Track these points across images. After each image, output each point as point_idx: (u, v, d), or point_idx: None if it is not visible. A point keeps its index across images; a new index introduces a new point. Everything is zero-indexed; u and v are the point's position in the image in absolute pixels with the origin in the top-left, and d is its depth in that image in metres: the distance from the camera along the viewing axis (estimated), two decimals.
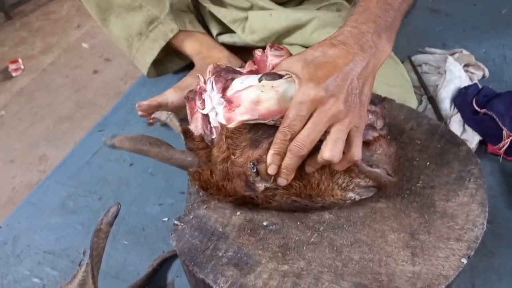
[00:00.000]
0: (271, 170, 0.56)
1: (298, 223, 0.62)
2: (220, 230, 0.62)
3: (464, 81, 1.08)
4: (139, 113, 1.01)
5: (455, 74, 1.08)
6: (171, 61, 1.15)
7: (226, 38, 1.11)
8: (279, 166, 0.56)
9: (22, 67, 2.87)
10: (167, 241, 0.81)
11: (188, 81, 1.03)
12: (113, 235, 0.82)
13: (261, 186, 0.59)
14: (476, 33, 1.42)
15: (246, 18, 1.04)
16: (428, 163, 0.69)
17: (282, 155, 0.55)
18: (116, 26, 1.01)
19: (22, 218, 0.91)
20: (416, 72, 1.17)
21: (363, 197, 0.62)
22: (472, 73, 1.15)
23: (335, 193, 0.60)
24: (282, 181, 0.57)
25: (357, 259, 0.57)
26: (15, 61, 2.90)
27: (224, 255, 0.59)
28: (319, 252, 0.58)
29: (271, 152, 0.55)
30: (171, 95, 1.01)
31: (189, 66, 1.13)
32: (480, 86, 1.03)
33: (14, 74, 2.84)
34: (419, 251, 0.58)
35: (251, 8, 1.05)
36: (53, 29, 3.35)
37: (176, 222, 0.63)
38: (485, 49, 1.32)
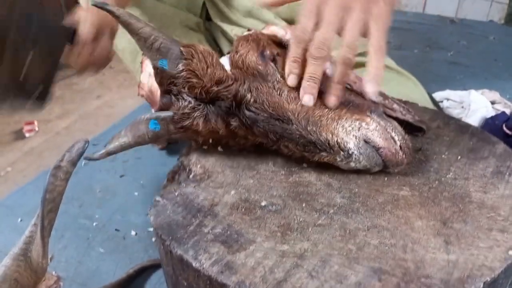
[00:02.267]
0: (291, 81, 0.50)
1: (304, 204, 0.51)
2: (209, 207, 0.51)
3: (491, 113, 1.00)
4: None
5: (480, 105, 1.00)
6: None
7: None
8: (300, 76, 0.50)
9: (36, 129, 2.89)
10: (149, 251, 0.69)
11: None
12: (87, 241, 0.70)
13: None
14: (498, 81, 1.37)
15: None
16: (459, 157, 0.59)
17: (299, 61, 0.50)
18: (123, 38, 0.98)
19: None
20: (438, 107, 1.09)
21: (362, 165, 0.52)
22: (498, 110, 1.07)
23: (335, 132, 0.50)
24: (308, 99, 0.50)
25: (376, 243, 0.46)
26: (30, 123, 2.93)
27: (210, 231, 0.48)
28: (328, 235, 0.47)
29: (288, 61, 0.49)
30: None
31: None
32: (508, 114, 0.95)
33: (27, 134, 2.86)
34: (454, 240, 0.46)
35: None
36: (73, 98, 3.45)
37: (157, 198, 0.53)
38: (510, 95, 1.26)
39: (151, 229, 0.75)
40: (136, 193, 0.83)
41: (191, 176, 0.58)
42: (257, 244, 0.46)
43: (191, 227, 0.48)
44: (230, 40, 1.07)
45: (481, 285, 0.41)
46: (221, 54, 1.08)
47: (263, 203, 0.52)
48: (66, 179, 0.41)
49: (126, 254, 0.70)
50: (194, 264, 0.44)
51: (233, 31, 1.03)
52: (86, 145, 0.42)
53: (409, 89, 0.90)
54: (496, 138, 0.64)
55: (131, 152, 0.97)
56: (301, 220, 0.49)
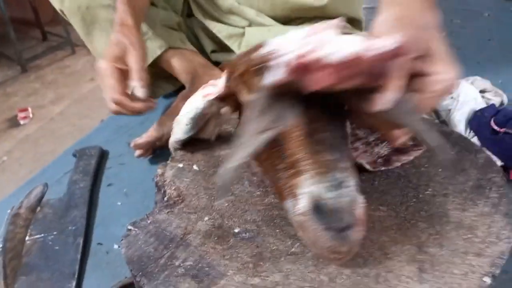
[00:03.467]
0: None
1: (277, 230, 0.51)
2: (181, 237, 0.50)
3: (480, 104, 0.98)
4: (137, 152, 0.92)
5: (470, 96, 0.98)
6: (159, 86, 1.07)
7: (220, 56, 1.04)
8: None
9: (30, 115, 2.88)
10: None
11: (179, 106, 0.95)
12: None
13: None
14: (491, 65, 1.33)
15: (243, 34, 0.98)
16: (439, 170, 0.58)
17: None
18: (99, 42, 0.95)
19: None
20: None
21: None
22: (488, 99, 1.05)
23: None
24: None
25: (348, 273, 0.45)
26: (24, 110, 2.92)
27: (181, 264, 0.47)
28: (300, 264, 0.46)
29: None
30: (166, 125, 0.92)
31: (178, 91, 1.06)
32: (497, 108, 0.93)
33: (22, 122, 2.85)
34: (428, 267, 0.45)
35: (249, 25, 0.99)
36: (66, 82, 3.41)
37: (129, 227, 0.52)
38: (502, 79, 1.23)
39: None
40: (119, 203, 0.83)
41: (165, 198, 0.57)
42: (228, 278, 0.45)
43: (162, 260, 0.48)
44: (212, 38, 1.04)
45: None
46: (202, 51, 1.06)
47: (236, 230, 0.51)
48: (26, 226, 0.40)
49: (109, 270, 0.70)
50: None
51: (216, 28, 1.00)
52: (45, 189, 0.41)
53: None
54: (479, 146, 0.63)
55: (115, 158, 0.96)
56: (274, 248, 0.48)
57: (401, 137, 0.48)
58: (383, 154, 0.60)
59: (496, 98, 1.05)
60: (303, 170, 0.45)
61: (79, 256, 0.69)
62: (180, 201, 0.56)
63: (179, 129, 0.63)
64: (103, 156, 0.95)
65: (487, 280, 0.44)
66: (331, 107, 0.47)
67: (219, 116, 0.64)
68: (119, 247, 0.73)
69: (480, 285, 0.43)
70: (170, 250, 0.49)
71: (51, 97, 3.18)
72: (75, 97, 3.17)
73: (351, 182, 0.44)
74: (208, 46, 1.05)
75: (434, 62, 0.46)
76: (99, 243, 0.74)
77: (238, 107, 0.60)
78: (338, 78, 0.37)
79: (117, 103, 0.73)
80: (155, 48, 0.96)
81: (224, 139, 0.67)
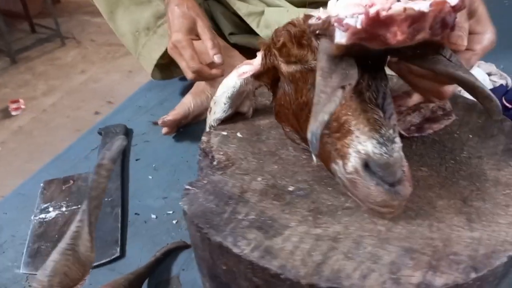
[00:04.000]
0: None
1: (329, 188, 0.54)
2: (239, 194, 0.53)
3: (488, 85, 1.03)
4: (164, 130, 0.93)
5: (479, 78, 1.03)
6: (177, 66, 1.09)
7: (238, 39, 1.07)
8: None
9: (22, 106, 2.85)
10: (171, 233, 0.71)
11: (201, 85, 0.97)
12: None
13: None
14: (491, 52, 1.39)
15: (262, 13, 1.00)
16: (470, 136, 0.62)
17: None
18: (123, 20, 0.97)
19: (9, 208, 0.81)
20: None
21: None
22: (494, 81, 1.10)
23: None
24: None
25: (403, 224, 0.48)
26: (15, 101, 2.89)
27: (244, 218, 0.49)
28: (357, 217, 0.49)
29: None
30: (191, 103, 0.94)
31: None
32: (506, 86, 0.98)
33: (14, 113, 2.82)
34: (475, 217, 0.49)
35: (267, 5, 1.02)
36: (57, 74, 3.38)
37: (187, 186, 0.54)
38: (504, 64, 1.28)
39: (171, 212, 0.77)
40: (150, 177, 0.84)
41: (214, 163, 0.59)
42: (291, 229, 0.48)
43: (225, 214, 0.50)
44: (230, 20, 1.06)
45: (505, 259, 0.44)
46: (222, 35, 1.08)
47: (290, 188, 0.54)
48: (108, 176, 0.42)
49: (149, 238, 0.72)
50: (234, 250, 0.46)
51: (236, 5, 1.03)
52: (125, 142, 0.43)
53: None
54: (503, 116, 0.67)
55: (139, 136, 0.97)
56: (329, 203, 0.51)
57: (448, 93, 0.52)
58: (415, 123, 0.64)
59: (502, 80, 1.10)
60: (353, 129, 0.48)
61: (119, 225, 0.70)
62: (230, 164, 0.58)
63: (219, 107, 0.65)
64: (127, 134, 0.96)
65: None
66: (373, 67, 0.50)
67: (254, 93, 0.67)
68: (156, 217, 0.75)
69: None
70: (231, 206, 0.51)
71: (43, 89, 3.15)
72: (67, 89, 3.15)
73: (399, 139, 0.47)
74: (226, 28, 1.07)
75: (480, 21, 0.50)
76: (136, 213, 0.76)
77: (272, 83, 0.63)
78: (411, 32, 0.40)
79: (197, 71, 0.81)
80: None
81: (261, 111, 0.70)
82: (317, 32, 0.49)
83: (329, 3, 0.50)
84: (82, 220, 0.42)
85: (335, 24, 0.44)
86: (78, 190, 0.78)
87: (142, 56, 1.01)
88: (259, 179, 0.55)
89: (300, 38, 0.52)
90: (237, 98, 0.65)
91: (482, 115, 0.66)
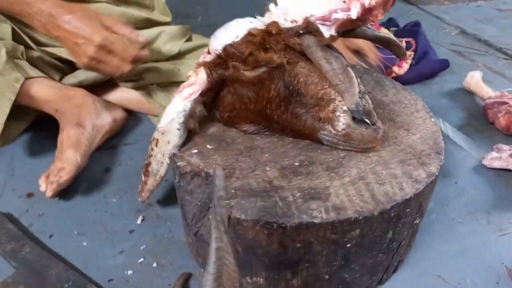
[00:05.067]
0: None
1: (319, 151, 0.66)
2: (269, 186, 0.60)
3: None
4: (52, 192, 0.79)
5: None
6: (12, 127, 0.93)
7: (70, 79, 0.99)
8: None
9: None
10: None
11: (67, 136, 0.87)
12: None
13: None
14: None
15: None
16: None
17: None
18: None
19: None
20: None
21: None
22: None
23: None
24: None
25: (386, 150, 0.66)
26: None
27: (295, 198, 0.58)
28: (356, 158, 0.64)
29: None
30: (77, 157, 0.84)
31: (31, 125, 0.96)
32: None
33: None
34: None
35: None
36: None
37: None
38: None
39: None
40: None
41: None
42: (330, 187, 0.59)
43: (279, 203, 0.57)
44: (53, 66, 0.98)
45: None
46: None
47: (296, 163, 0.64)
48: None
49: None
50: (315, 221, 0.54)
51: (55, 50, 0.96)
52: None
53: None
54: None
55: None
56: (331, 160, 0.64)
57: None
58: None
59: None
60: (333, 97, 0.62)
61: None
62: (231, 171, 0.63)
63: (173, 135, 0.66)
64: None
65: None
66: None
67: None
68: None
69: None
70: (274, 195, 0.58)
71: None
72: None
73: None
74: (55, 75, 0.97)
75: None
76: None
77: (215, 96, 0.69)
78: (382, 13, 0.57)
79: (135, 58, 0.85)
80: (11, 83, 0.85)
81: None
82: (300, 31, 0.60)
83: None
84: (220, 257, 0.43)
85: (318, 22, 0.57)
86: None
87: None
88: (268, 168, 0.63)
89: (264, 44, 0.62)
90: (188, 120, 0.67)
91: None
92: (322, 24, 0.60)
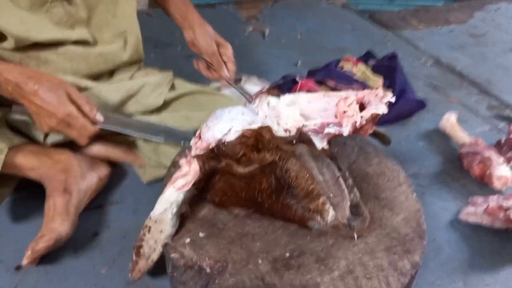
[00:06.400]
0: None
1: (308, 238, 0.69)
2: (263, 283, 0.62)
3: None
4: (28, 260, 0.79)
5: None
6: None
7: (55, 137, 0.98)
8: None
9: None
10: None
11: (54, 202, 0.87)
12: None
13: None
14: None
15: None
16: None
17: None
18: None
19: None
20: None
21: None
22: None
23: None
24: None
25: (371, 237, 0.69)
26: None
27: None
28: (345, 246, 0.67)
29: None
30: (64, 226, 0.85)
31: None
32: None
33: None
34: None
35: None
36: None
37: None
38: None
39: None
40: None
41: (207, 271, 0.64)
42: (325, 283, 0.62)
43: None
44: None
45: None
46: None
47: (287, 254, 0.66)
48: None
49: None
50: None
51: None
52: None
53: None
54: None
55: None
56: (320, 248, 0.67)
57: None
58: None
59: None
60: (320, 193, 0.65)
61: None
62: (224, 265, 0.64)
63: (166, 225, 0.68)
64: None
65: None
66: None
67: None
68: None
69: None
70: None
71: None
72: None
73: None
74: (39, 135, 0.96)
75: None
76: None
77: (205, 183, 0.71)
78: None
79: (94, 134, 0.89)
80: None
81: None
82: (294, 141, 0.62)
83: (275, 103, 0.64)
84: None
85: (311, 133, 0.59)
86: None
87: None
88: (260, 261, 0.65)
89: (257, 145, 0.64)
90: (180, 206, 0.69)
91: None
92: (315, 135, 0.62)
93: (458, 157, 1.15)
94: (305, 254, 0.66)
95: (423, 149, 1.21)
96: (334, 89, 1.26)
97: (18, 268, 0.85)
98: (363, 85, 1.31)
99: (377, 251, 0.66)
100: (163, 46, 1.72)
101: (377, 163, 0.84)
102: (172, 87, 1.16)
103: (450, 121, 1.24)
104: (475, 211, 0.96)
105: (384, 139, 0.74)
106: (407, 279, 0.63)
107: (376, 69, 1.46)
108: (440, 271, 0.87)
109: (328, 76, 1.35)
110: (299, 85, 1.25)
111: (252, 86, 1.38)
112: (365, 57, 1.54)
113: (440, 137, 1.25)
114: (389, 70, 1.44)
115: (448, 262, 0.89)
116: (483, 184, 1.08)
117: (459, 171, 1.13)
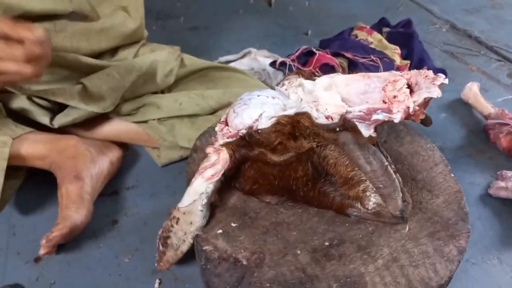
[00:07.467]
0: None
1: (347, 225, 0.65)
2: (305, 277, 0.58)
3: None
4: (44, 250, 0.75)
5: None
6: (8, 187, 0.87)
7: (63, 119, 0.93)
8: None
9: None
10: None
11: (70, 189, 0.82)
12: None
13: None
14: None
15: (84, 88, 0.91)
16: None
17: None
18: None
19: None
20: None
21: None
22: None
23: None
24: None
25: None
26: None
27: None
28: (388, 233, 0.63)
29: None
30: (80, 215, 0.80)
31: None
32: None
33: None
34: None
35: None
36: None
37: None
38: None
39: None
40: None
41: (244, 263, 0.61)
42: (370, 271, 0.58)
43: None
44: (43, 107, 0.92)
45: None
46: (42, 128, 0.92)
47: (326, 243, 0.62)
48: None
49: None
50: None
51: (47, 94, 0.90)
52: None
53: None
54: None
55: None
56: (360, 236, 0.63)
57: None
58: None
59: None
60: (362, 179, 0.61)
61: None
62: (262, 256, 0.61)
63: (196, 216, 0.64)
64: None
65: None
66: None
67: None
68: None
69: None
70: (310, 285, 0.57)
71: None
72: None
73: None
74: (44, 118, 0.91)
75: None
76: None
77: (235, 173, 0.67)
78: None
79: None
80: (1, 148, 0.80)
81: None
82: (337, 129, 0.57)
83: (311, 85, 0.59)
84: None
85: (358, 121, 0.55)
86: None
87: None
88: (299, 252, 0.61)
89: (293, 133, 0.59)
90: (210, 198, 0.65)
91: None
92: (360, 122, 0.57)
93: (483, 129, 1.11)
94: (345, 242, 0.62)
95: (446, 121, 1.17)
96: (351, 60, 1.20)
97: (37, 259, 0.81)
98: (382, 55, 1.25)
99: (420, 237, 0.63)
100: (164, 17, 1.64)
101: (409, 141, 0.80)
102: (181, 63, 1.11)
103: (472, 91, 1.19)
104: (506, 185, 0.93)
105: (425, 121, 0.69)
106: (455, 266, 0.59)
107: (391, 37, 1.40)
108: (474, 249, 0.84)
109: (343, 47, 1.29)
110: (315, 57, 1.18)
111: (264, 59, 1.32)
112: (379, 25, 1.47)
113: (463, 107, 1.20)
114: (405, 38, 1.37)
115: (481, 239, 0.86)
116: (511, 157, 1.04)
117: (485, 143, 1.09)
